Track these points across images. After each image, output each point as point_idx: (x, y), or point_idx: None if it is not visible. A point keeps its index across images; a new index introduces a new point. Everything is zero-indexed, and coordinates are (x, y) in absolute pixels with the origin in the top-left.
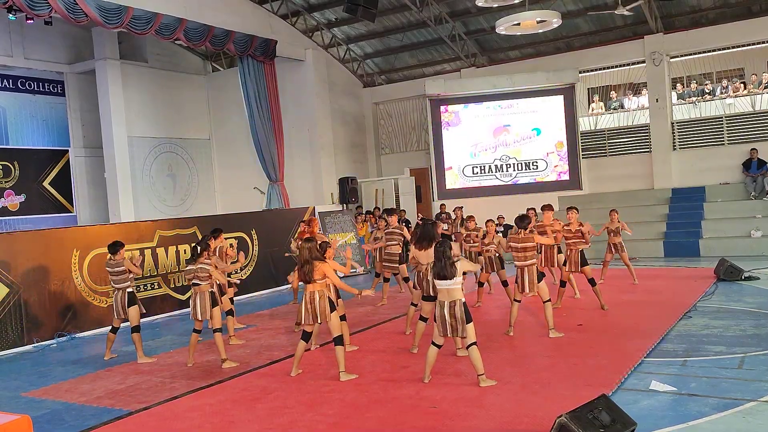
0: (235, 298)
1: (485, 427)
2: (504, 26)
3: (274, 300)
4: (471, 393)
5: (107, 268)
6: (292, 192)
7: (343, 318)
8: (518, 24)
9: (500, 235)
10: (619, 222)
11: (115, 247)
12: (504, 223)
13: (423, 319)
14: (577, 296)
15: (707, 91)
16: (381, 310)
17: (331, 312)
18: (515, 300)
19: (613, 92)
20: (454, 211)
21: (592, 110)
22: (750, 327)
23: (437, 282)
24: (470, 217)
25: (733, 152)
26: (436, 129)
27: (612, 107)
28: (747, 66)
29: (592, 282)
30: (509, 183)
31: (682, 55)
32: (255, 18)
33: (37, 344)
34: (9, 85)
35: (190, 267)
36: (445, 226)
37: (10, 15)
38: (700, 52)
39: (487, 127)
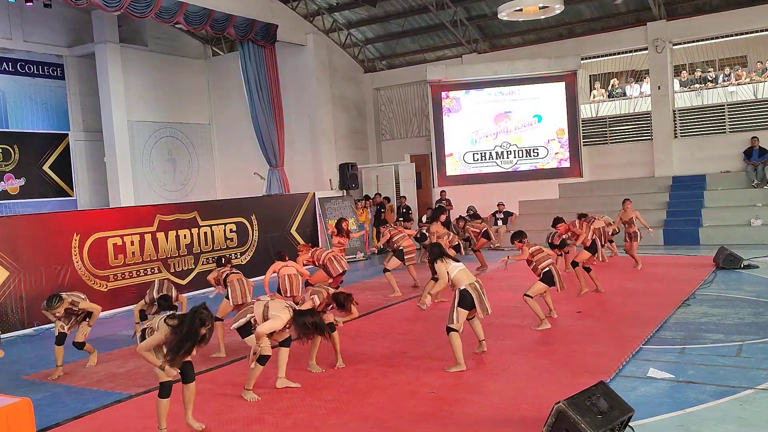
0: None
1: (484, 413)
2: (506, 12)
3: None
4: (470, 379)
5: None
6: (292, 178)
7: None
8: (520, 10)
9: (500, 222)
10: (633, 212)
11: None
12: (504, 210)
13: None
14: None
15: (710, 78)
16: (380, 296)
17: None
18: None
19: (615, 79)
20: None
21: (594, 97)
22: (748, 315)
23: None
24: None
25: (735, 140)
26: (437, 115)
27: (615, 94)
28: (750, 53)
29: (573, 264)
30: (510, 170)
31: (684, 43)
32: (256, 2)
33: (37, 327)
34: (8, 68)
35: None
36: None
37: None
38: (703, 40)
39: (488, 113)
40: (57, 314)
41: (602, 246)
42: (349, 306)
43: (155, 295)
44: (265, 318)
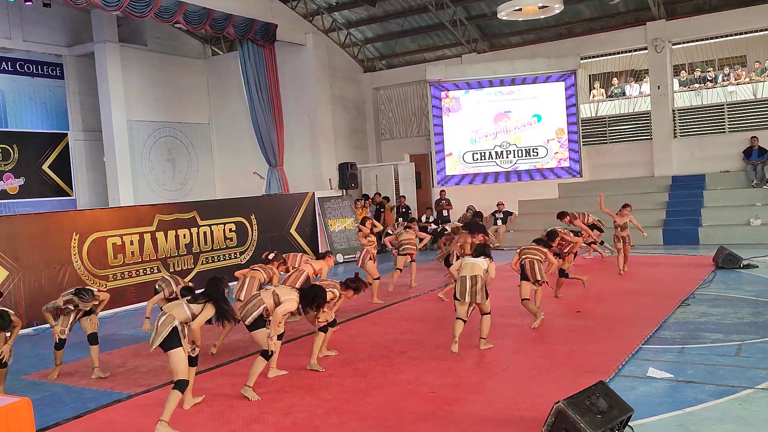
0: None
1: (484, 412)
2: (506, 12)
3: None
4: (470, 379)
5: None
6: (292, 177)
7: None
8: (520, 9)
9: (500, 222)
10: (630, 219)
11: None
12: (504, 209)
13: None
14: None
15: (709, 78)
16: (380, 296)
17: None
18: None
19: (615, 79)
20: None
21: (593, 97)
22: (748, 315)
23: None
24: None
25: (734, 140)
26: (437, 115)
27: (614, 93)
28: (749, 53)
29: (561, 272)
30: (509, 169)
31: (684, 42)
32: (255, 2)
33: (36, 327)
34: (8, 67)
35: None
36: (445, 213)
37: None
38: (702, 39)
39: (488, 113)
40: (84, 309)
41: (592, 243)
42: (363, 286)
43: (175, 288)
44: (278, 304)
